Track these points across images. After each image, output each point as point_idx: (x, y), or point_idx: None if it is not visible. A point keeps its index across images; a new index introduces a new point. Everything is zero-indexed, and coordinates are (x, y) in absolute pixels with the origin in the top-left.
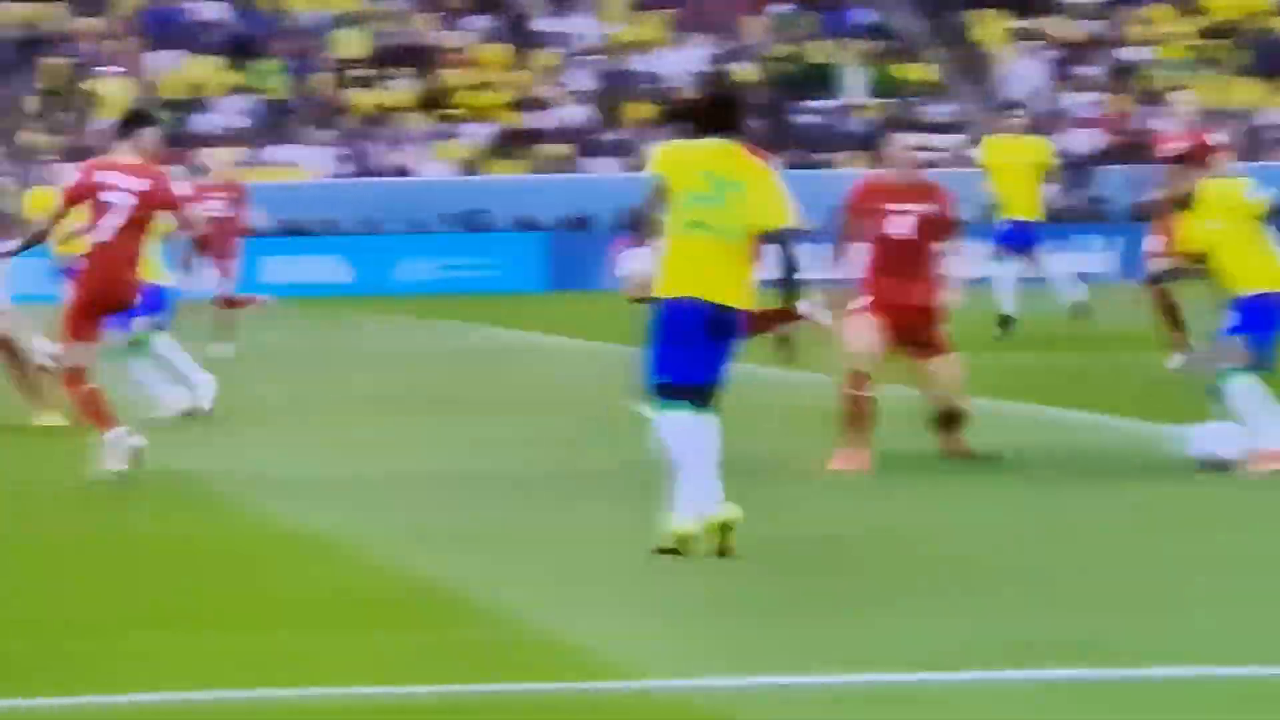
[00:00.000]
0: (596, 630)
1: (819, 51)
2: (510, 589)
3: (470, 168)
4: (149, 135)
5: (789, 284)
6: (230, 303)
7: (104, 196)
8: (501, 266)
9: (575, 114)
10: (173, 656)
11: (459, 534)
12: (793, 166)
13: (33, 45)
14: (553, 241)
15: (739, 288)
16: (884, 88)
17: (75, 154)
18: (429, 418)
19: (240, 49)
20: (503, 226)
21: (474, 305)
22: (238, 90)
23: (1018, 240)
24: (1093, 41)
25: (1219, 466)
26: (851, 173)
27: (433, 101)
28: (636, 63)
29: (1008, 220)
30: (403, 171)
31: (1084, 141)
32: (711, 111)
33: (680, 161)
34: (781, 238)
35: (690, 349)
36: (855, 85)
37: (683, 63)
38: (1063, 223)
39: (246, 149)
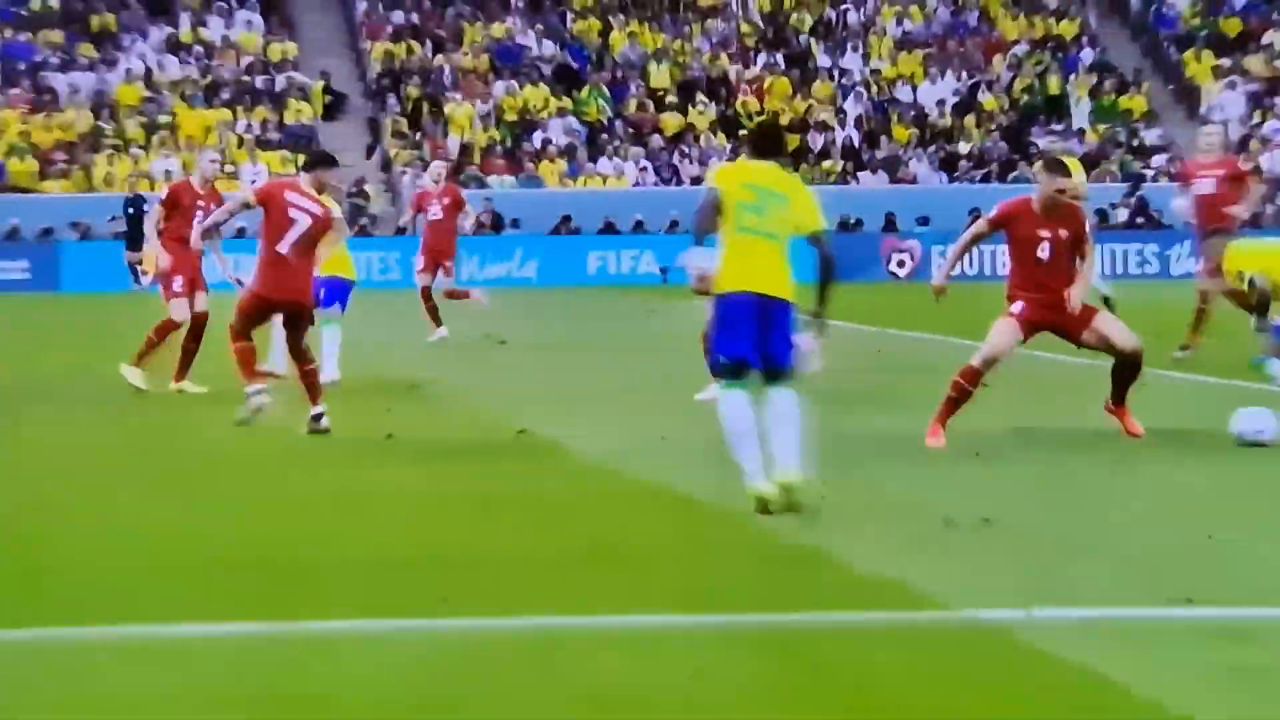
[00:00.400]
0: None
1: (1053, 84)
2: (844, 540)
3: None
4: (325, 174)
5: (825, 278)
6: (452, 295)
7: (291, 214)
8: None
9: (847, 136)
10: (556, 589)
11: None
12: (1030, 181)
13: (396, 75)
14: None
15: (785, 282)
16: (1105, 115)
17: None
18: None
19: (567, 78)
20: None
21: None
22: (564, 113)
23: None
24: None
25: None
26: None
27: (727, 123)
28: (898, 93)
29: None
30: (702, 182)
31: (1278, 161)
32: (763, 140)
33: (733, 177)
34: (817, 238)
35: (748, 334)
36: (1081, 112)
37: (937, 93)
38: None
39: (572, 162)
